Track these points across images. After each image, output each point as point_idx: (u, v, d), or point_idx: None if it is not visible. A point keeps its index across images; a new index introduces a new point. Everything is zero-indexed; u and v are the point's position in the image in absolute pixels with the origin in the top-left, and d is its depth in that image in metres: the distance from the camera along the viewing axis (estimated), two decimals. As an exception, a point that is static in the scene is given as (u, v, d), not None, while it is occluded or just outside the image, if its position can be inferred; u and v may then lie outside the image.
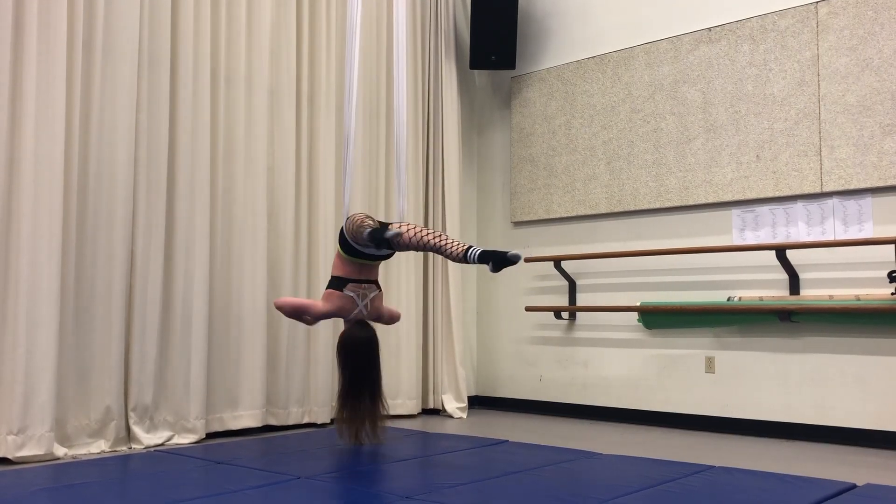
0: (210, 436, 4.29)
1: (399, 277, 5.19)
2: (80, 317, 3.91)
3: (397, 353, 5.21)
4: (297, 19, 4.84)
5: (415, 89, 5.47)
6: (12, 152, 3.70)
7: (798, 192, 4.44)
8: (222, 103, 4.49)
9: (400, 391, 5.20)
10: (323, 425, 4.76)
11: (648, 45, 5.09)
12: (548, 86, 5.58)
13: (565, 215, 5.42)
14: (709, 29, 4.83)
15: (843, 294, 4.24)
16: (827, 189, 4.35)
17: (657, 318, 4.89)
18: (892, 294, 3.94)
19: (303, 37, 4.87)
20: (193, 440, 4.15)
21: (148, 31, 4.17)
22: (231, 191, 4.51)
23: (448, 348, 5.46)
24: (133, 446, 3.99)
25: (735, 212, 4.70)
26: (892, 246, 4.00)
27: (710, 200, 4.76)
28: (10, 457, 3.55)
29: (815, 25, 4.43)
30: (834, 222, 4.36)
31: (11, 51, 3.70)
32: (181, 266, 4.23)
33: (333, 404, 4.88)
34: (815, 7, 4.43)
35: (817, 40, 4.42)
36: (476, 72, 6.01)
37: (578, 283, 5.35)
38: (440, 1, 5.66)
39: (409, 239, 3.50)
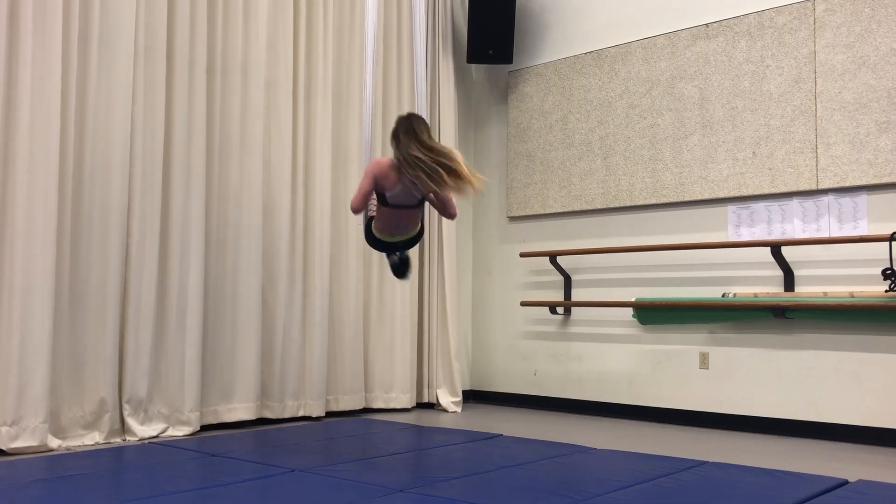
0: (204, 428, 4.28)
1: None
2: (75, 308, 3.90)
3: (392, 346, 5.22)
4: (294, 11, 4.82)
5: (411, 82, 5.45)
6: (7, 143, 3.68)
7: (794, 188, 4.45)
8: (218, 96, 4.48)
9: (394, 385, 5.21)
10: (318, 418, 4.76)
11: (645, 41, 5.09)
12: (545, 81, 5.58)
13: (561, 210, 5.43)
14: (706, 25, 4.83)
15: (838, 291, 4.25)
16: (822, 186, 4.35)
17: (652, 314, 4.90)
18: (886, 291, 3.96)
19: (300, 29, 4.86)
20: (188, 432, 4.15)
21: (144, 22, 4.15)
22: (226, 183, 4.51)
23: (443, 342, 5.46)
24: (127, 438, 3.99)
25: (731, 208, 4.71)
26: (887, 243, 4.01)
27: (706, 196, 4.76)
28: (3, 448, 3.55)
29: (812, 22, 4.43)
30: (829, 219, 4.36)
31: (7, 41, 3.68)
32: (176, 258, 4.22)
33: (328, 397, 4.91)
34: (813, 4, 4.43)
35: (814, 37, 4.42)
36: (473, 66, 6.00)
37: (574, 278, 5.36)
38: (438, -6, 5.65)
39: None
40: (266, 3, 4.65)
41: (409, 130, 3.26)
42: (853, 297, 4.15)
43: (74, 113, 3.90)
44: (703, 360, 4.75)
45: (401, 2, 5.43)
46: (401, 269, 3.62)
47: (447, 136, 5.56)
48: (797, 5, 4.49)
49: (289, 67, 4.77)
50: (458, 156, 3.22)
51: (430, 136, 3.29)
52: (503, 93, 5.87)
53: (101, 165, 3.99)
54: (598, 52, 5.31)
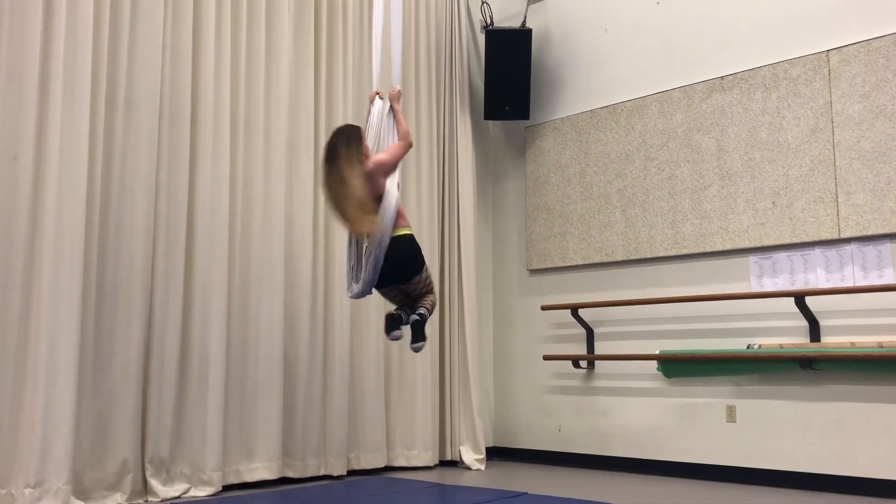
0: (226, 488, 4.25)
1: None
2: (98, 368, 3.92)
3: (413, 403, 5.18)
4: (315, 72, 4.93)
5: (430, 140, 5.53)
6: (35, 205, 3.75)
7: (815, 238, 4.42)
8: (241, 156, 4.56)
9: (416, 442, 5.15)
10: (339, 477, 4.71)
11: (661, 94, 5.14)
12: (562, 135, 5.63)
13: (581, 263, 5.42)
14: (721, 78, 4.88)
15: (866, 341, 4.19)
16: (845, 235, 4.33)
17: (677, 367, 4.84)
18: (915, 341, 3.89)
19: (320, 89, 4.95)
20: (210, 493, 4.12)
21: (169, 85, 4.26)
22: (249, 241, 4.55)
23: (465, 398, 5.41)
24: (149, 499, 3.97)
25: (752, 259, 4.69)
26: (913, 292, 3.96)
27: (727, 247, 4.75)
28: (26, 511, 3.54)
29: (826, 73, 4.46)
30: (853, 268, 4.33)
31: (38, 105, 3.78)
32: (199, 317, 4.25)
33: (350, 455, 4.86)
34: (827, 55, 4.47)
35: (830, 87, 4.45)
36: (490, 122, 6.08)
37: (596, 331, 5.32)
38: (454, 53, 5.75)
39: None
40: (287, 66, 4.76)
41: (330, 150, 3.46)
42: (882, 346, 4.08)
43: (101, 174, 3.98)
44: (730, 413, 4.67)
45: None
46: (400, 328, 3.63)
47: (466, 190, 5.61)
48: (811, 57, 4.53)
49: (310, 128, 4.86)
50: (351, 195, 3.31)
51: (343, 161, 3.37)
52: (520, 147, 5.93)
53: (126, 226, 4.05)
54: (614, 107, 5.37)
